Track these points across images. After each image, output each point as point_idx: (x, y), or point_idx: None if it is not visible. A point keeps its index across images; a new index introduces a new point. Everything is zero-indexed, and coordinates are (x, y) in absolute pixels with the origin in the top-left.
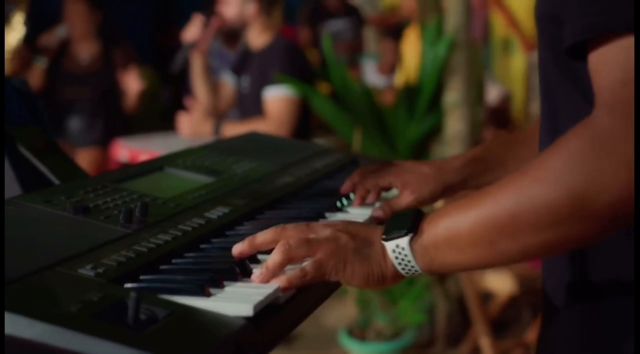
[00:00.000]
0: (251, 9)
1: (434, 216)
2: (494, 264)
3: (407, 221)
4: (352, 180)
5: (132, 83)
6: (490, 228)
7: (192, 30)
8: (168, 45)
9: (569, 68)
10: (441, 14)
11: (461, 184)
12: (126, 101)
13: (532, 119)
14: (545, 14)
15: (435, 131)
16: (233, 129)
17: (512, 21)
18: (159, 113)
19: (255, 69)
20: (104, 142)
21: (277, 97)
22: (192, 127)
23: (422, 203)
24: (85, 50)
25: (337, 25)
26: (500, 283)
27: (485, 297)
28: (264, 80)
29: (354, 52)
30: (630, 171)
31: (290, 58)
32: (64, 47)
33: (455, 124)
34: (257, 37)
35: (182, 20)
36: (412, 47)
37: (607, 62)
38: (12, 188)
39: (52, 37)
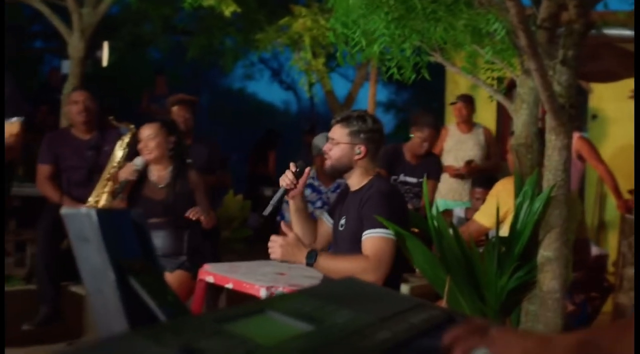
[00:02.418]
0: (362, 152)
1: None
2: None
3: None
4: (454, 335)
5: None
6: None
7: (287, 178)
8: (261, 174)
9: None
10: (540, 168)
11: None
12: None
13: (628, 281)
14: None
15: (526, 287)
16: (328, 263)
17: (611, 178)
18: (247, 238)
19: (352, 208)
20: (191, 268)
21: (376, 236)
22: (285, 252)
23: None
24: (161, 174)
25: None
26: None
27: None
28: (361, 219)
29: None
30: None
31: (389, 202)
32: (142, 175)
33: (548, 282)
34: (359, 178)
35: (279, 151)
36: (505, 198)
37: None
38: (119, 319)
39: (129, 169)
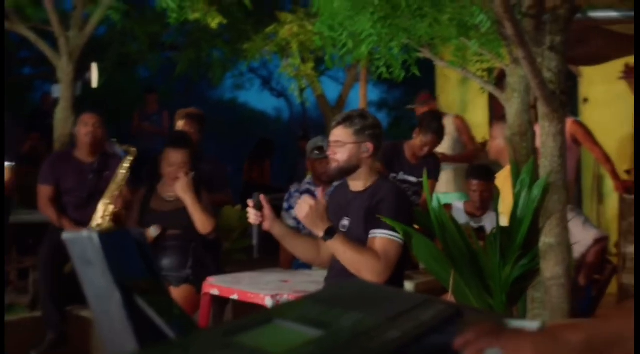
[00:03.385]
0: (369, 150)
1: None
2: None
3: None
4: (466, 338)
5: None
6: None
7: (251, 215)
8: (257, 183)
9: None
10: (535, 155)
11: None
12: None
13: (630, 260)
14: None
15: (530, 274)
16: (342, 247)
17: (608, 160)
18: (248, 248)
19: (359, 210)
20: (195, 281)
21: (387, 238)
22: (309, 215)
23: None
24: (170, 188)
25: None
26: None
27: None
28: (367, 219)
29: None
30: None
31: (396, 202)
32: (152, 188)
33: (551, 268)
34: (364, 178)
35: (273, 159)
36: (503, 188)
37: None
38: (128, 339)
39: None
